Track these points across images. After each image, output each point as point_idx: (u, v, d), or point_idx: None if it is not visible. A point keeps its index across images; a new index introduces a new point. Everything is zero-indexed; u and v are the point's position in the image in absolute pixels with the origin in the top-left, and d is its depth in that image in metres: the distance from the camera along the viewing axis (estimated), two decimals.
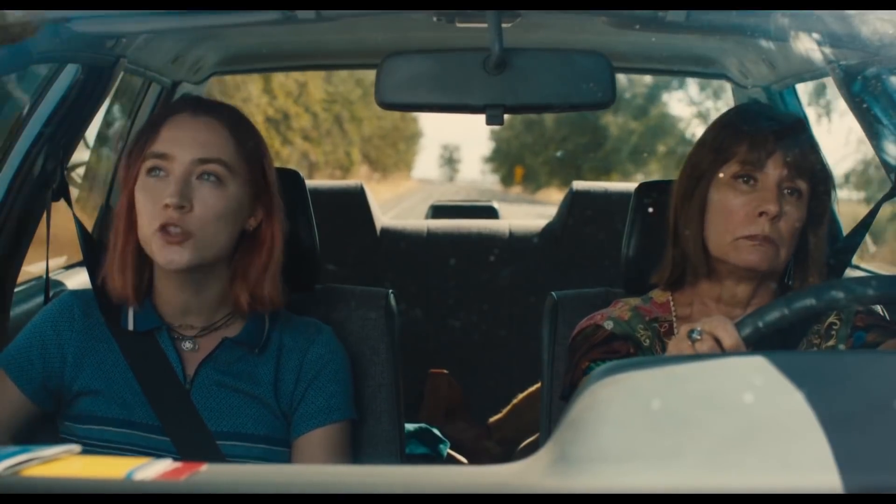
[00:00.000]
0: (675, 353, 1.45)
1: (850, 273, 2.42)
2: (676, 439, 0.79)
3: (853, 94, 1.93)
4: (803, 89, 2.80)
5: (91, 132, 2.76)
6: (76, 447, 0.83)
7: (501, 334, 3.33)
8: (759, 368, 0.89)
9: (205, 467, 0.78)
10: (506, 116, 1.76)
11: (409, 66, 1.74)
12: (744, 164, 1.65)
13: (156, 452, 1.62)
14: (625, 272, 1.94)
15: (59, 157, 2.02)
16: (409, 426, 2.63)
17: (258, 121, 17.78)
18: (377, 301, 1.91)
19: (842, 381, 0.88)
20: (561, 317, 1.95)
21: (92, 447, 1.62)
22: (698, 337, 1.40)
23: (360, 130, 31.16)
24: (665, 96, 29.72)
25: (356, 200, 3.45)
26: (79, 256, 2.19)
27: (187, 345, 1.69)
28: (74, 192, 2.13)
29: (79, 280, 2.42)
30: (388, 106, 1.77)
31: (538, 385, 2.32)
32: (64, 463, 0.81)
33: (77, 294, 1.75)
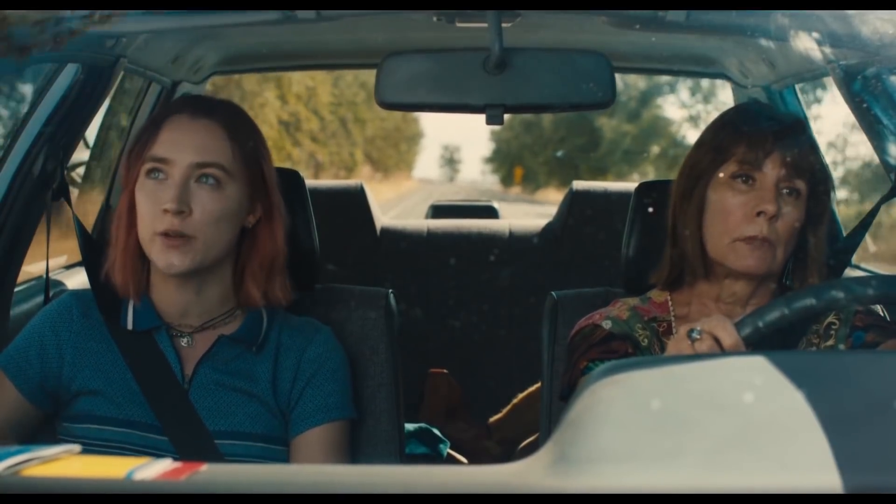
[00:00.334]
0: (675, 353, 1.45)
1: (850, 273, 2.42)
2: (676, 439, 0.79)
3: (853, 94, 1.93)
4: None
5: (91, 132, 2.76)
6: (76, 447, 0.83)
7: (501, 334, 3.33)
8: (759, 368, 0.89)
9: (204, 467, 0.78)
10: (505, 117, 1.76)
11: (409, 66, 1.74)
12: (742, 163, 1.65)
13: (154, 452, 1.63)
14: (625, 272, 1.94)
15: (59, 157, 2.02)
16: (409, 426, 2.63)
17: (272, 123, 19.53)
18: (377, 301, 1.91)
19: (842, 381, 0.88)
20: (561, 317, 1.95)
21: (91, 447, 1.62)
22: (698, 336, 1.40)
23: (363, 132, 32.06)
24: (657, 100, 30.33)
25: (356, 200, 3.45)
26: (79, 256, 2.18)
27: (184, 341, 1.69)
28: (74, 192, 2.13)
29: (79, 280, 2.42)
30: (388, 106, 1.77)
31: (538, 385, 2.32)
32: (64, 463, 0.81)
33: (76, 294, 1.75)
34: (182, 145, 1.62)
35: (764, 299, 1.71)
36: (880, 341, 1.66)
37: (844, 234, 2.40)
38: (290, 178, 1.90)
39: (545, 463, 0.79)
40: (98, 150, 2.89)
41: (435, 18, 1.82)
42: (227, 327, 1.70)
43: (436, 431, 2.74)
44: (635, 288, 1.85)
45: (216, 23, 1.94)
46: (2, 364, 1.69)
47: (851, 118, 2.00)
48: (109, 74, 2.02)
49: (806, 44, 1.85)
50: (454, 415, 3.03)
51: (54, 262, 2.22)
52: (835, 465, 0.74)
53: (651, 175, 26.89)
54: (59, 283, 2.35)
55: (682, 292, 1.76)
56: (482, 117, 1.73)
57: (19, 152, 2.00)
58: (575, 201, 3.41)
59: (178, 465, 0.79)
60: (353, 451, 1.78)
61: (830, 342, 1.69)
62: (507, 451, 2.82)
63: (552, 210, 3.71)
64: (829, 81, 2.08)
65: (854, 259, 2.61)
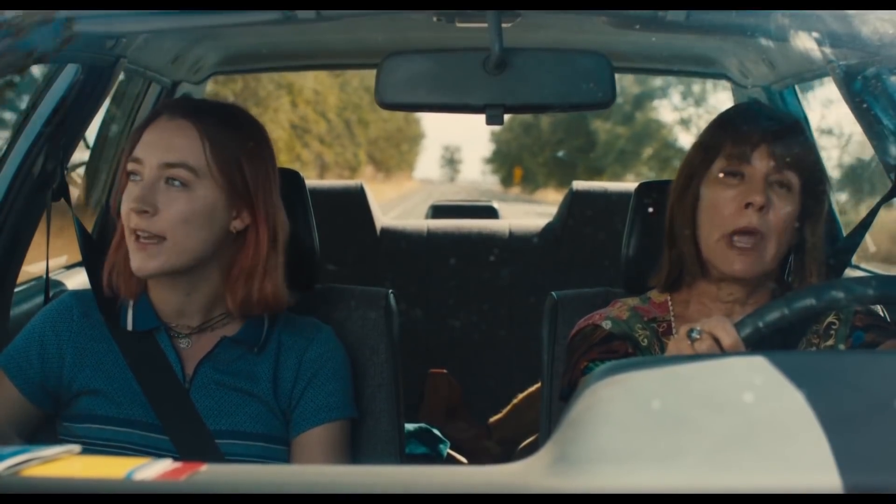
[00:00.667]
0: (675, 353, 1.45)
1: (850, 273, 2.42)
2: (676, 439, 0.79)
3: (853, 94, 1.93)
4: None
5: (91, 132, 2.76)
6: (76, 447, 0.83)
7: (501, 334, 3.33)
8: (759, 368, 0.89)
9: (205, 467, 0.78)
10: (505, 118, 1.76)
11: (409, 66, 1.74)
12: (730, 158, 1.65)
13: (155, 451, 1.63)
14: (625, 272, 1.94)
15: (59, 157, 2.02)
16: (409, 426, 2.63)
17: (285, 126, 20.86)
18: (377, 301, 1.91)
19: (842, 381, 0.88)
20: (561, 317, 1.95)
21: (91, 446, 1.62)
22: (697, 336, 1.40)
23: (367, 133, 33.31)
24: (650, 103, 30.82)
25: (356, 200, 3.45)
26: (79, 256, 2.18)
27: (185, 343, 1.69)
28: (74, 192, 2.13)
29: (79, 280, 2.42)
30: (388, 106, 1.77)
31: (538, 385, 2.32)
32: (64, 463, 0.81)
33: (76, 294, 1.75)
34: (154, 145, 1.62)
35: (763, 298, 1.71)
36: (880, 341, 1.66)
37: (844, 234, 2.40)
38: (290, 178, 1.90)
39: (545, 463, 0.79)
40: (98, 150, 2.89)
41: (435, 18, 1.82)
42: (228, 329, 1.70)
43: (436, 431, 2.74)
44: (635, 288, 1.85)
45: (216, 23, 1.94)
46: (2, 364, 1.69)
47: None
48: (109, 74, 2.02)
49: (806, 44, 1.85)
50: (454, 415, 3.03)
51: (54, 262, 2.22)
52: (835, 465, 0.74)
53: (644, 176, 27.66)
54: (59, 283, 2.35)
55: (682, 292, 1.76)
56: (482, 118, 1.73)
57: (19, 152, 2.00)
58: (575, 201, 3.41)
59: (178, 465, 0.79)
60: (353, 451, 1.78)
61: (830, 342, 1.69)
62: (507, 451, 2.82)
63: (551, 210, 3.71)
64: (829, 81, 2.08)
65: (854, 259, 2.61)
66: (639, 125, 30.99)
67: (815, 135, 2.91)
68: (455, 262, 3.39)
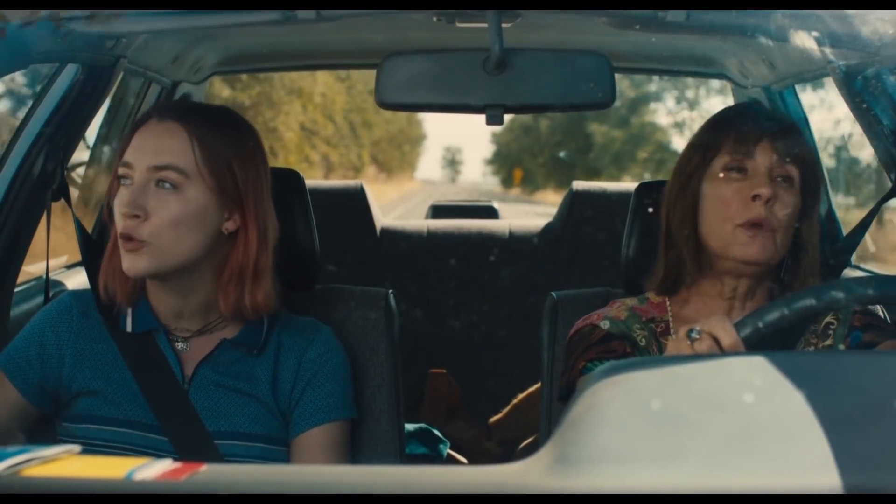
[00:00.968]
0: (675, 353, 1.45)
1: (850, 273, 2.42)
2: (676, 439, 0.79)
3: (853, 94, 1.93)
4: None
5: (91, 132, 2.76)
6: (76, 447, 0.83)
7: (501, 334, 3.33)
8: (759, 368, 0.89)
9: (204, 467, 0.78)
10: (505, 120, 1.76)
11: (409, 66, 1.74)
12: (733, 154, 1.66)
13: (154, 452, 1.63)
14: (625, 272, 1.94)
15: (59, 157, 2.02)
16: (409, 426, 2.63)
17: (296, 129, 22.23)
18: (377, 301, 1.91)
19: (842, 381, 0.88)
20: (561, 317, 1.95)
21: (91, 447, 1.62)
22: (697, 336, 1.40)
23: (370, 135, 34.43)
24: (644, 107, 31.42)
25: (356, 200, 3.45)
26: (79, 256, 2.19)
27: (184, 345, 1.69)
28: (74, 193, 2.13)
29: (79, 280, 2.42)
30: (387, 106, 1.77)
31: (538, 385, 2.32)
32: (64, 463, 0.81)
33: (76, 294, 1.75)
34: (143, 149, 1.62)
35: (763, 294, 1.71)
36: (878, 341, 1.66)
37: (844, 234, 2.40)
38: (290, 179, 1.90)
39: (545, 463, 0.79)
40: (98, 150, 2.90)
41: (435, 18, 1.82)
42: (227, 331, 1.70)
43: (436, 432, 2.74)
44: (635, 288, 1.85)
45: (216, 23, 1.94)
46: (2, 364, 1.69)
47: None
48: (109, 74, 2.02)
49: (806, 44, 1.85)
50: (454, 415, 3.03)
51: (54, 262, 2.22)
52: (835, 465, 0.74)
53: (639, 177, 28.53)
54: (59, 283, 2.35)
55: (681, 293, 1.76)
56: (483, 119, 1.73)
57: (19, 152, 2.00)
58: (575, 202, 3.41)
59: (178, 465, 0.79)
60: (353, 451, 1.78)
61: (828, 342, 1.69)
62: (507, 451, 2.82)
63: (550, 210, 3.72)
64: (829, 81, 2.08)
65: (854, 259, 2.61)
66: (634, 128, 31.63)
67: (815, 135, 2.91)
68: (455, 262, 3.39)
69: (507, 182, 45.81)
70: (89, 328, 1.70)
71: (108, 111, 2.86)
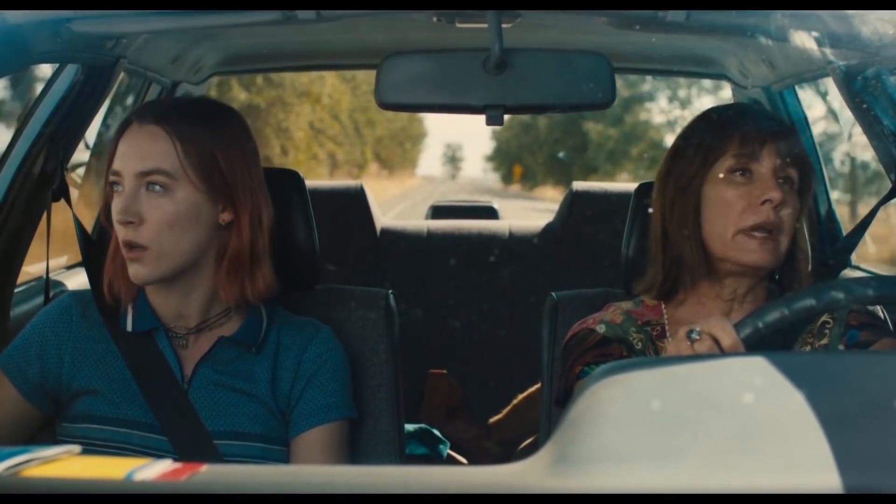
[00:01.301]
0: (675, 354, 1.45)
1: (849, 273, 2.42)
2: (676, 439, 0.79)
3: (853, 94, 1.93)
4: None
5: (91, 132, 2.76)
6: (76, 447, 0.83)
7: (501, 334, 3.33)
8: (759, 368, 0.89)
9: (205, 468, 0.78)
10: (505, 118, 1.76)
11: (409, 66, 1.74)
12: (738, 157, 1.65)
13: (153, 452, 1.63)
14: (625, 272, 1.94)
15: (59, 157, 2.02)
16: (409, 426, 2.63)
17: (306, 129, 23.82)
18: (377, 301, 1.91)
19: (842, 381, 0.88)
20: (561, 317, 1.95)
21: (90, 447, 1.62)
22: (697, 337, 1.40)
23: (373, 132, 35.98)
24: (637, 106, 32.47)
25: (356, 200, 3.45)
26: (79, 256, 2.19)
27: (183, 344, 1.70)
28: (74, 192, 2.13)
29: (79, 280, 2.42)
30: (387, 106, 1.77)
31: (538, 385, 2.32)
32: (64, 463, 0.81)
33: (76, 295, 1.75)
34: (129, 155, 1.62)
35: (760, 294, 1.71)
36: (874, 339, 1.66)
37: (844, 233, 2.40)
38: (290, 179, 1.90)
39: (545, 463, 0.79)
40: (98, 150, 2.90)
41: (435, 18, 1.82)
42: (226, 328, 1.70)
43: (436, 432, 2.74)
44: (635, 289, 1.85)
45: (216, 23, 1.94)
46: (2, 365, 1.69)
47: None
48: (109, 74, 2.02)
49: (806, 44, 1.85)
50: (454, 415, 3.03)
51: (54, 263, 2.22)
52: (835, 465, 0.74)
53: (632, 173, 29.98)
54: (59, 284, 2.35)
55: (677, 295, 1.75)
56: (483, 117, 1.73)
57: (19, 152, 2.00)
58: (575, 201, 3.41)
59: (178, 465, 0.79)
60: (353, 452, 1.78)
61: (824, 341, 1.69)
62: (507, 451, 2.82)
63: (549, 206, 3.73)
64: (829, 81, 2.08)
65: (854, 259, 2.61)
66: (628, 126, 32.42)
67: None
68: (455, 262, 3.39)
69: (507, 178, 46.12)
70: (89, 328, 1.70)
71: (108, 111, 2.86)
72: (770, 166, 1.64)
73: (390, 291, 1.93)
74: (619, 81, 1.76)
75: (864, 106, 1.93)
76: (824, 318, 1.70)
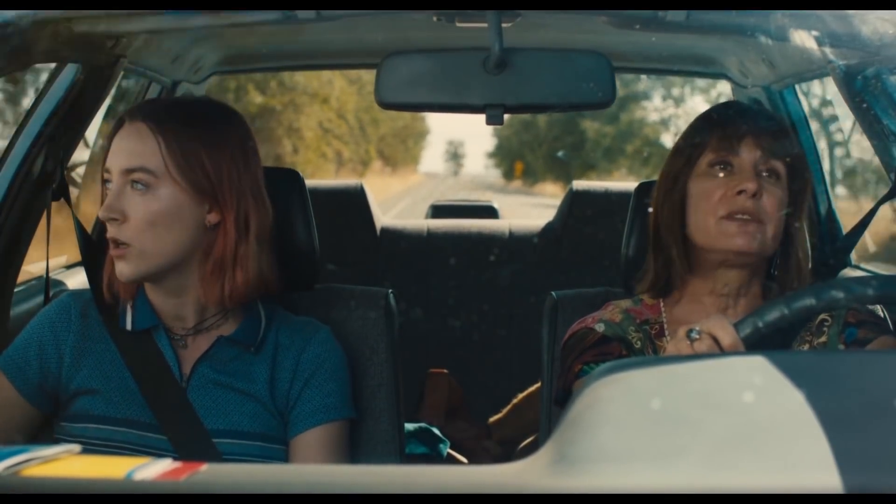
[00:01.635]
0: (674, 353, 1.45)
1: (849, 272, 2.42)
2: (676, 439, 0.79)
3: (853, 94, 1.93)
4: None
5: (91, 132, 2.76)
6: (76, 447, 0.83)
7: (501, 334, 3.33)
8: (758, 368, 0.89)
9: (204, 467, 0.78)
10: (505, 116, 1.76)
11: (409, 66, 1.74)
12: (717, 151, 1.67)
13: (152, 451, 1.63)
14: (624, 272, 1.94)
15: (59, 157, 2.02)
16: (409, 426, 2.63)
17: (315, 129, 25.04)
18: (377, 301, 1.91)
19: (842, 381, 0.88)
20: (561, 317, 1.95)
21: (89, 446, 1.62)
22: (697, 336, 1.40)
23: (377, 131, 37.07)
24: (632, 105, 33.18)
25: (356, 200, 3.45)
26: (79, 256, 2.19)
27: (182, 343, 1.70)
28: (74, 192, 2.13)
29: (79, 280, 2.42)
30: (388, 106, 1.77)
31: (538, 385, 2.32)
32: (64, 463, 0.81)
33: (75, 295, 1.75)
34: (117, 153, 1.63)
35: (755, 290, 1.71)
36: (872, 337, 1.66)
37: (844, 233, 2.40)
38: (290, 178, 1.90)
39: (545, 463, 0.79)
40: (98, 150, 2.90)
41: (435, 18, 1.82)
42: (225, 328, 1.70)
43: (436, 431, 2.74)
44: (635, 288, 1.85)
45: (216, 23, 1.94)
46: (1, 365, 1.69)
47: None
48: (109, 74, 2.02)
49: (806, 44, 1.85)
50: (454, 415, 3.03)
51: (54, 262, 2.22)
52: (835, 465, 0.74)
53: (627, 169, 30.91)
54: (60, 283, 2.35)
55: (673, 294, 1.75)
56: (483, 116, 1.73)
57: (19, 152, 2.00)
58: (575, 201, 3.41)
59: (177, 465, 0.79)
60: (353, 451, 1.78)
61: (823, 339, 1.69)
62: (507, 451, 2.82)
63: (549, 202, 3.73)
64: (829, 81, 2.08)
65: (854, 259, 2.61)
66: (623, 124, 33.12)
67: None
68: (455, 262, 3.39)
69: (508, 175, 46.48)
70: (88, 328, 1.70)
71: (108, 111, 2.86)
72: (750, 160, 1.65)
73: (390, 291, 1.93)
74: (616, 81, 1.76)
75: (864, 106, 1.93)
76: (823, 315, 1.70)
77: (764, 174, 1.65)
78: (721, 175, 1.66)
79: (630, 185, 2.87)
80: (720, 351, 1.38)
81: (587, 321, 1.75)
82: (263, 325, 1.72)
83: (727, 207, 1.63)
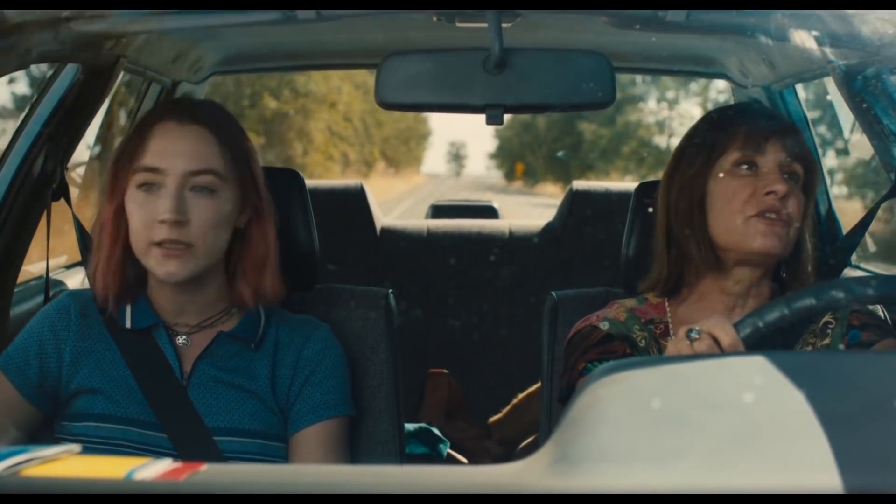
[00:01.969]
0: (674, 353, 1.45)
1: (849, 273, 2.42)
2: (676, 439, 0.79)
3: (853, 94, 1.93)
4: None
5: (91, 132, 2.76)
6: (76, 447, 0.83)
7: (501, 334, 3.33)
8: (759, 368, 0.89)
9: (205, 467, 0.78)
10: (506, 118, 1.76)
11: (409, 66, 1.74)
12: (743, 150, 1.66)
13: (153, 449, 1.63)
14: (625, 272, 1.94)
15: (59, 157, 2.02)
16: (409, 426, 2.63)
17: (324, 132, 27.03)
18: (377, 301, 1.91)
19: (842, 381, 0.88)
20: (561, 317, 1.95)
21: (89, 444, 1.62)
22: (696, 336, 1.40)
23: (381, 132, 38.05)
24: (628, 107, 33.74)
25: (356, 200, 3.45)
26: (79, 256, 2.19)
27: (183, 341, 1.70)
28: (74, 192, 2.13)
29: (79, 280, 2.42)
30: (388, 106, 1.77)
31: (538, 385, 2.32)
32: (64, 463, 0.81)
33: (74, 294, 1.75)
34: (174, 154, 1.62)
35: (765, 290, 1.71)
36: (876, 340, 1.66)
37: (844, 233, 2.40)
38: (290, 178, 1.90)
39: (545, 463, 0.79)
40: (98, 150, 2.90)
41: (435, 18, 1.82)
42: (225, 324, 1.71)
43: (436, 431, 2.74)
44: (635, 288, 1.85)
45: (216, 23, 1.94)
46: (1, 365, 1.69)
47: None
48: (109, 74, 2.02)
49: (806, 44, 1.85)
50: (454, 415, 3.03)
51: (54, 262, 2.22)
52: (835, 465, 0.74)
53: (623, 170, 31.57)
54: (59, 283, 2.35)
55: (681, 293, 1.75)
56: (483, 116, 1.73)
57: (19, 152, 2.00)
58: (575, 201, 3.41)
59: (178, 465, 0.79)
60: (353, 451, 1.78)
61: (826, 341, 1.69)
62: (507, 451, 2.82)
63: (549, 201, 3.74)
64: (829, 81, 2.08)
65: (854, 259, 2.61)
66: (619, 126, 33.77)
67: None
68: (455, 262, 3.39)
69: (509, 175, 46.83)
70: (88, 327, 1.70)
71: (108, 111, 2.86)
72: (775, 160, 1.65)
73: (390, 291, 1.94)
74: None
75: (864, 106, 1.93)
76: (826, 318, 1.70)
77: (786, 176, 1.65)
78: (746, 175, 1.65)
79: (630, 185, 2.87)
80: (720, 351, 1.38)
81: (591, 319, 1.74)
82: (263, 322, 1.72)
83: (756, 207, 1.63)
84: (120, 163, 1.65)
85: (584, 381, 0.90)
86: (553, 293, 2.00)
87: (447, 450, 2.73)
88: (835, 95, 2.61)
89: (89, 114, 2.09)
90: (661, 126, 33.73)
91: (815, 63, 2.25)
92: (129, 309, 1.70)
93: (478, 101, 1.71)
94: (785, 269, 1.72)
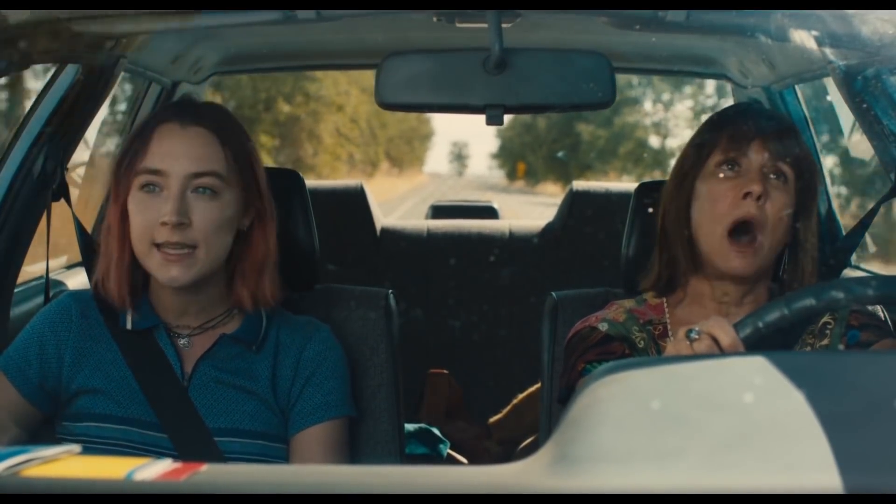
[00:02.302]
0: (674, 354, 1.45)
1: (849, 273, 2.42)
2: (676, 439, 0.79)
3: (853, 94, 1.93)
4: None
5: (91, 132, 2.76)
6: (76, 447, 0.83)
7: (501, 334, 3.33)
8: (759, 368, 0.89)
9: (205, 467, 0.78)
10: (507, 118, 1.76)
11: (409, 66, 1.74)
12: (726, 151, 1.67)
13: (153, 450, 1.63)
14: (624, 272, 1.94)
15: (59, 157, 2.02)
16: (409, 426, 2.64)
17: (333, 134, 27.99)
18: (377, 301, 1.91)
19: (842, 381, 0.88)
20: (561, 317, 1.95)
21: (90, 445, 1.62)
22: (696, 337, 1.40)
23: (385, 133, 39.03)
24: (625, 109, 34.07)
25: (356, 200, 3.45)
26: (79, 256, 2.19)
27: (184, 342, 1.70)
28: (74, 192, 2.13)
29: (79, 280, 2.42)
30: (387, 106, 1.77)
31: (538, 385, 2.32)
32: (64, 463, 0.81)
33: (75, 295, 1.75)
34: (176, 155, 1.61)
35: (760, 297, 1.71)
36: (875, 340, 1.66)
37: (844, 233, 2.40)
38: (290, 179, 1.90)
39: (545, 463, 0.79)
40: (98, 150, 2.90)
41: (435, 18, 1.82)
42: (227, 326, 1.71)
43: (436, 431, 2.74)
44: (635, 288, 1.85)
45: (216, 23, 1.94)
46: (1, 365, 1.69)
47: None
48: (109, 74, 2.02)
49: (806, 44, 1.85)
50: (454, 415, 3.03)
51: (54, 262, 2.22)
52: (835, 465, 0.74)
53: (620, 170, 31.91)
54: (60, 283, 2.35)
55: (677, 294, 1.76)
56: (484, 117, 1.73)
57: (19, 152, 2.00)
58: (575, 201, 3.41)
59: (178, 465, 0.79)
60: (353, 452, 1.78)
61: (825, 341, 1.69)
62: (507, 451, 2.82)
63: (549, 200, 3.74)
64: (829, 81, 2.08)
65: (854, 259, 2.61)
66: (616, 127, 34.15)
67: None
68: (455, 262, 3.39)
69: (511, 175, 47.16)
70: (88, 328, 1.70)
71: (108, 111, 2.87)
72: (758, 161, 1.65)
73: (390, 291, 1.94)
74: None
75: (864, 106, 1.93)
76: (826, 318, 1.70)
77: (771, 176, 1.65)
78: (728, 175, 1.66)
79: (630, 185, 2.87)
80: (720, 351, 1.38)
81: (591, 320, 1.75)
82: (264, 324, 1.72)
83: (732, 215, 1.63)
84: (122, 165, 1.65)
85: (584, 381, 0.90)
86: (553, 293, 2.00)
87: (447, 450, 2.73)
88: (835, 96, 2.61)
89: (89, 114, 2.09)
90: (657, 127, 34.33)
91: (815, 63, 2.25)
92: (129, 310, 1.69)
93: (478, 101, 1.71)
94: (785, 269, 1.72)
